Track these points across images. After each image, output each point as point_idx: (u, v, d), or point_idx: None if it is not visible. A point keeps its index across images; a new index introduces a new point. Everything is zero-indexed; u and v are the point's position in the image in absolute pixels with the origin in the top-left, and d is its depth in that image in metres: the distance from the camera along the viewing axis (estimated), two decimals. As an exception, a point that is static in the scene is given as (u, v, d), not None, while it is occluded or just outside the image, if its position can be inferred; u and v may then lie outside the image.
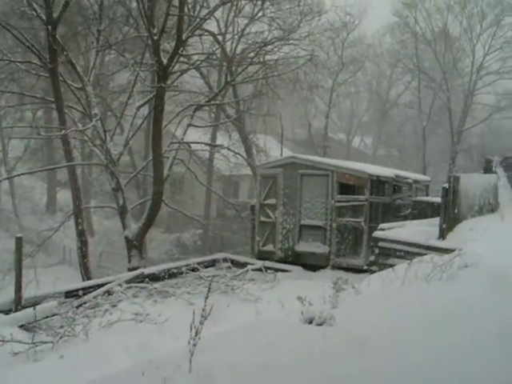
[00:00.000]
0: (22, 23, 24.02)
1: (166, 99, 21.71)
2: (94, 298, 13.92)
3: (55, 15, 18.55)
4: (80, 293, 14.15)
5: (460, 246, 11.61)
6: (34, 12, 18.80)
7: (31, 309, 11.29)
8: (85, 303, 13.47)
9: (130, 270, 19.19)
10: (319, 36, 36.47)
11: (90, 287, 14.80)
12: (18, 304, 12.32)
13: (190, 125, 23.43)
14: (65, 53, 19.85)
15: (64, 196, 37.74)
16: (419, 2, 50.92)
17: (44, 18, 18.51)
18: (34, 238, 28.37)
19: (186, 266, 17.84)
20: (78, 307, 12.87)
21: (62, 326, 10.85)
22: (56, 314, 11.82)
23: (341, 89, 53.07)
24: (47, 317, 11.87)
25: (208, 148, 32.72)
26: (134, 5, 20.71)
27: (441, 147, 51.64)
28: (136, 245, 20.57)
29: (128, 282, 15.47)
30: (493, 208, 17.69)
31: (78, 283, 16.44)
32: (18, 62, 21.53)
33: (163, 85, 19.01)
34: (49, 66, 19.07)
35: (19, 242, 12.73)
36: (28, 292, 12.78)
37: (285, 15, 31.10)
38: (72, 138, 21.37)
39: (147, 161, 24.88)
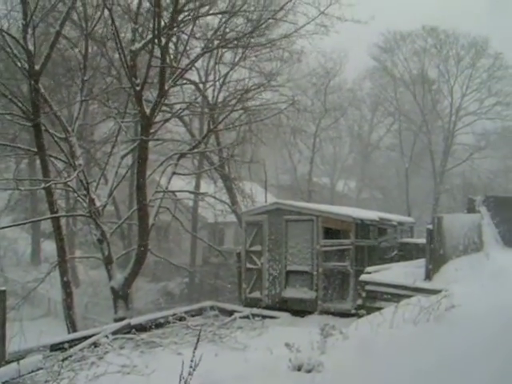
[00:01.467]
0: (4, 73, 24.19)
1: (150, 148, 21.81)
2: (80, 350, 13.71)
3: (37, 67, 18.65)
4: (66, 346, 13.92)
5: (446, 286, 11.63)
6: (16, 64, 18.89)
7: (15, 364, 11.09)
8: (70, 356, 13.25)
9: (116, 320, 19.00)
10: (304, 82, 36.93)
11: (76, 340, 14.59)
12: (1, 359, 12.10)
13: (174, 173, 23.51)
14: (48, 105, 19.97)
15: (49, 247, 37.46)
16: (396, 47, 51.92)
17: (27, 69, 18.59)
18: (19, 290, 28.05)
19: (173, 315, 17.70)
20: (63, 360, 12.65)
21: (47, 381, 10.67)
22: (41, 369, 11.63)
23: (323, 134, 53.59)
24: (32, 371, 11.68)
25: (193, 196, 32.74)
26: (117, 56, 20.90)
27: (424, 188, 52.05)
28: (122, 295, 20.41)
29: (114, 333, 15.29)
30: (478, 247, 17.74)
31: (64, 336, 16.20)
32: (1, 113, 21.55)
33: (146, 135, 19.12)
34: (31, 118, 19.08)
35: (3, 295, 12.55)
36: (12, 346, 12.57)
37: (265, 62, 31.49)
38: (56, 189, 21.34)
39: (132, 210, 24.85)
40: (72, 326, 20.22)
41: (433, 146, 50.78)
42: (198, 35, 24.96)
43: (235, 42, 23.94)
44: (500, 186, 46.81)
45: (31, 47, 18.33)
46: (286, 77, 32.31)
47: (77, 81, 23.16)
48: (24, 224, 35.01)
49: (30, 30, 18.24)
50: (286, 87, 32.88)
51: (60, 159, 22.46)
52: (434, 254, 14.88)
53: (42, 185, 19.58)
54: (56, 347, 13.91)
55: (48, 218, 21.90)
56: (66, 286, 20.44)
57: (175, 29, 19.90)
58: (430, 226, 15.12)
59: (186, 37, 23.85)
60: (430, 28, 49.56)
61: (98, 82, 26.52)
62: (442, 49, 50.60)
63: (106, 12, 19.89)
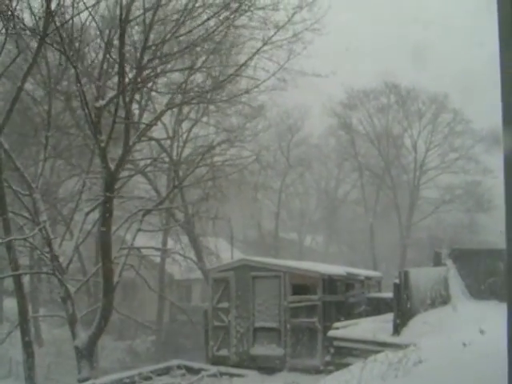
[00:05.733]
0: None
1: (115, 205, 21.65)
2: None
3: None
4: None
5: (414, 340, 11.57)
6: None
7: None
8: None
9: (80, 381, 18.56)
10: (266, 138, 37.25)
11: (37, 402, 14.19)
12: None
13: (139, 230, 23.31)
14: (12, 161, 19.81)
15: (11, 304, 36.59)
16: (360, 103, 52.80)
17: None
18: (-23, 352, 27.23)
19: (139, 374, 17.37)
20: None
21: None
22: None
23: (289, 189, 53.87)
24: None
25: (159, 253, 32.47)
26: (80, 112, 20.93)
27: (391, 242, 52.35)
28: (86, 354, 19.91)
29: (77, 394, 14.90)
30: (445, 300, 17.78)
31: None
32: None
33: (111, 191, 18.98)
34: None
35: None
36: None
37: (229, 117, 31.76)
38: (18, 246, 20.96)
39: (97, 267, 24.51)
40: (33, 388, 19.65)
41: (398, 200, 51.36)
42: (162, 91, 25.14)
43: (198, 98, 24.08)
44: (465, 238, 47.27)
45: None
46: (249, 132, 32.49)
47: (41, 138, 23.06)
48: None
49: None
50: (251, 143, 33.07)
51: (23, 216, 22.17)
52: (402, 309, 14.86)
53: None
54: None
55: (9, 276, 21.48)
56: (28, 346, 19.92)
57: (139, 85, 19.98)
58: (397, 281, 15.14)
59: (151, 93, 24.03)
60: (392, 84, 50.60)
61: (64, 139, 26.44)
62: (404, 105, 51.66)
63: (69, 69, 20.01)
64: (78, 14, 18.26)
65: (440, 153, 52.49)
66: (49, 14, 16.64)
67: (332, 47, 30.79)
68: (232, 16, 20.14)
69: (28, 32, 18.02)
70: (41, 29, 17.49)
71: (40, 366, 22.44)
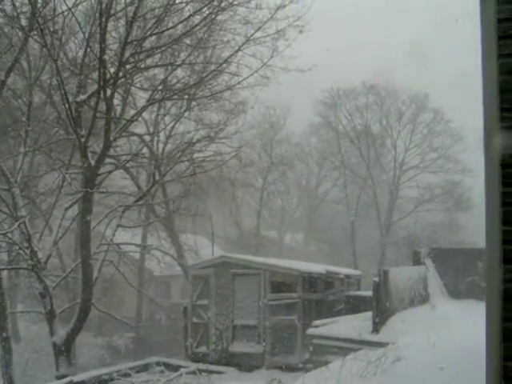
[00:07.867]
0: None
1: (95, 200, 21.53)
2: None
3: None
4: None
5: (393, 339, 11.62)
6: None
7: None
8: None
9: (58, 378, 18.41)
10: (249, 136, 37.19)
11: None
12: None
13: (119, 225, 23.17)
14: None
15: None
16: (339, 103, 52.88)
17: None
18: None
19: (118, 371, 17.31)
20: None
21: None
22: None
23: (271, 187, 53.89)
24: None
25: (138, 249, 32.34)
26: (63, 107, 20.75)
27: (371, 241, 52.51)
28: (64, 351, 19.78)
29: (55, 391, 14.80)
30: (424, 299, 17.92)
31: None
32: None
33: (91, 187, 18.86)
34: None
35: None
36: None
37: (211, 113, 31.66)
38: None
39: (76, 263, 24.37)
40: (10, 385, 19.49)
41: (378, 199, 51.55)
42: (144, 86, 24.99)
43: (180, 94, 23.99)
44: (444, 237, 47.54)
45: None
46: (232, 128, 32.38)
47: (21, 132, 22.87)
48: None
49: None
50: (234, 140, 32.95)
51: (1, 211, 21.98)
52: (381, 307, 14.93)
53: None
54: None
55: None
56: (5, 342, 19.75)
57: (120, 80, 19.86)
58: (377, 279, 15.21)
59: (132, 88, 23.89)
60: (370, 85, 50.71)
61: (44, 133, 26.21)
62: (383, 104, 51.86)
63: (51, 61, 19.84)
64: (68, 10, 18.27)
65: (419, 152, 52.82)
66: (34, 10, 16.59)
67: (317, 45, 30.77)
68: (214, 11, 20.06)
69: (17, 27, 17.95)
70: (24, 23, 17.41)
71: (17, 362, 22.24)
